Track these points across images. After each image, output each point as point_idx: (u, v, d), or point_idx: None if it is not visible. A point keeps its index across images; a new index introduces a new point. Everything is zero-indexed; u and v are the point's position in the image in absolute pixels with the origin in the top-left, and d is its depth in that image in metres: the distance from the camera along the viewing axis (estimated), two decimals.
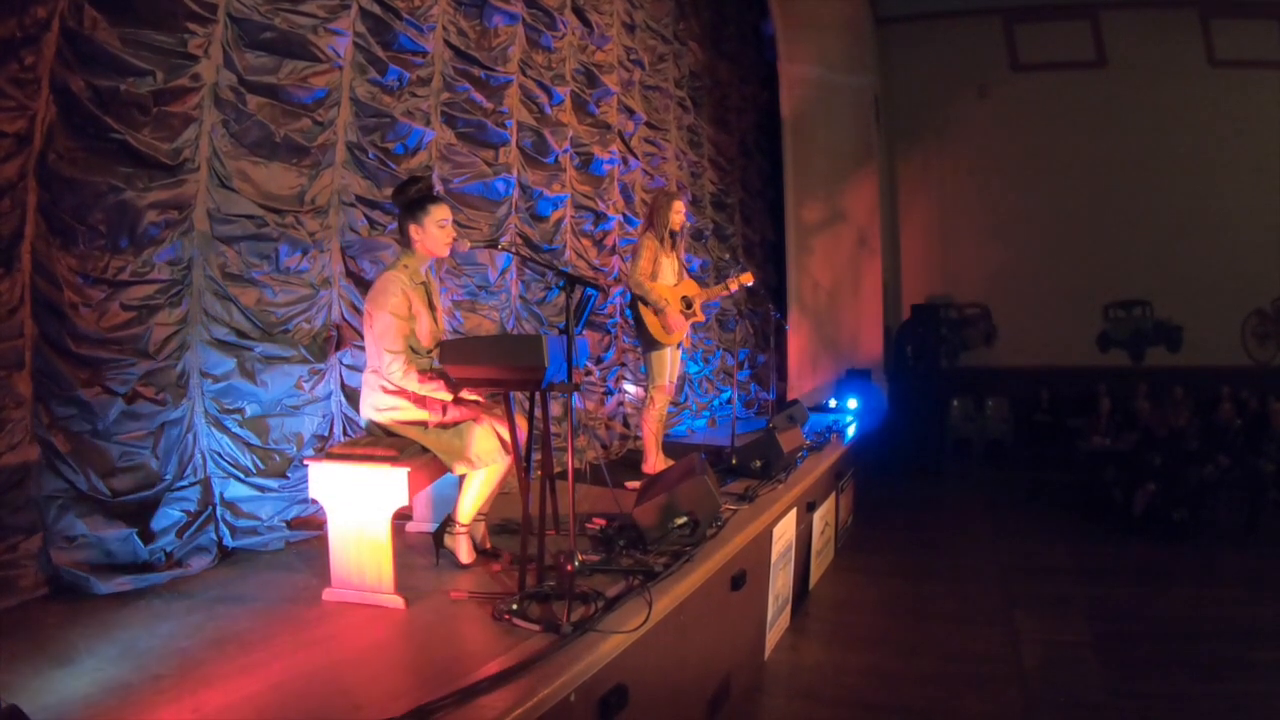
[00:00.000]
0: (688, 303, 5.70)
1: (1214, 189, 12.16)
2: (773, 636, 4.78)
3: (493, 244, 5.08)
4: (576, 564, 3.06)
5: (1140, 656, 4.95)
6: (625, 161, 7.82)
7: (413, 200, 3.58)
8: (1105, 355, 12.42)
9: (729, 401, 10.01)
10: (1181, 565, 7.02)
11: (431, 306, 3.66)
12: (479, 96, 5.65)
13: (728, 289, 6.08)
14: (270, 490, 4.02)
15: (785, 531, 4.99)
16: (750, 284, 6.08)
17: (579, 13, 6.94)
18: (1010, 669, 4.68)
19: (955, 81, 12.92)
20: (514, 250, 5.46)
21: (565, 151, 6.67)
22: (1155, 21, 12.45)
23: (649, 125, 8.36)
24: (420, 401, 3.50)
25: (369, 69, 4.69)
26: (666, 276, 5.59)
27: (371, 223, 4.70)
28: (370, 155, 4.66)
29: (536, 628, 2.82)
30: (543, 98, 6.42)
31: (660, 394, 5.66)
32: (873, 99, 11.74)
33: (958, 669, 4.67)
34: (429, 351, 3.61)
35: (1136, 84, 12.44)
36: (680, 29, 9.29)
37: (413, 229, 3.56)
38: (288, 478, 4.08)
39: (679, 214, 5.63)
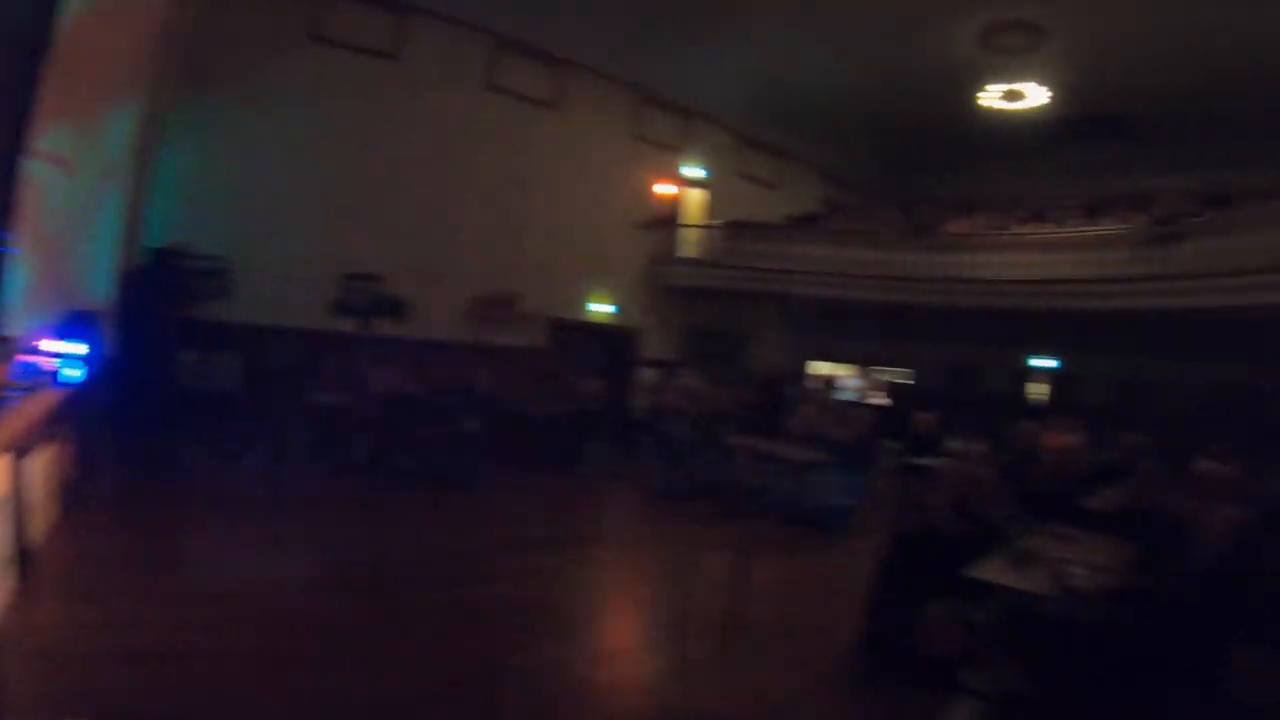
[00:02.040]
0: None
1: (463, 193, 14.56)
2: None
3: None
4: None
5: (382, 582, 6.13)
6: None
7: None
8: (339, 321, 13.26)
9: None
10: (406, 504, 8.74)
11: None
12: None
13: None
14: None
15: None
16: None
17: None
18: (239, 612, 5.17)
19: (259, 38, 12.66)
20: None
21: None
22: (452, 35, 14.28)
23: None
24: None
25: None
26: None
27: None
28: None
29: None
30: None
31: None
32: (162, 33, 10.90)
33: (195, 612, 5.02)
34: None
35: (421, 85, 13.98)
36: None
37: None
38: None
39: None
